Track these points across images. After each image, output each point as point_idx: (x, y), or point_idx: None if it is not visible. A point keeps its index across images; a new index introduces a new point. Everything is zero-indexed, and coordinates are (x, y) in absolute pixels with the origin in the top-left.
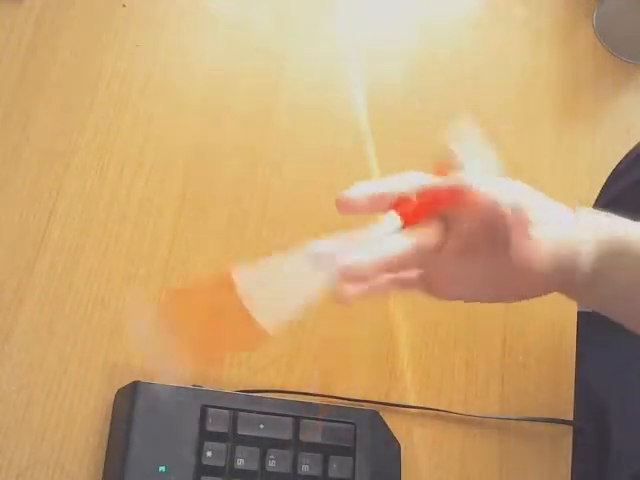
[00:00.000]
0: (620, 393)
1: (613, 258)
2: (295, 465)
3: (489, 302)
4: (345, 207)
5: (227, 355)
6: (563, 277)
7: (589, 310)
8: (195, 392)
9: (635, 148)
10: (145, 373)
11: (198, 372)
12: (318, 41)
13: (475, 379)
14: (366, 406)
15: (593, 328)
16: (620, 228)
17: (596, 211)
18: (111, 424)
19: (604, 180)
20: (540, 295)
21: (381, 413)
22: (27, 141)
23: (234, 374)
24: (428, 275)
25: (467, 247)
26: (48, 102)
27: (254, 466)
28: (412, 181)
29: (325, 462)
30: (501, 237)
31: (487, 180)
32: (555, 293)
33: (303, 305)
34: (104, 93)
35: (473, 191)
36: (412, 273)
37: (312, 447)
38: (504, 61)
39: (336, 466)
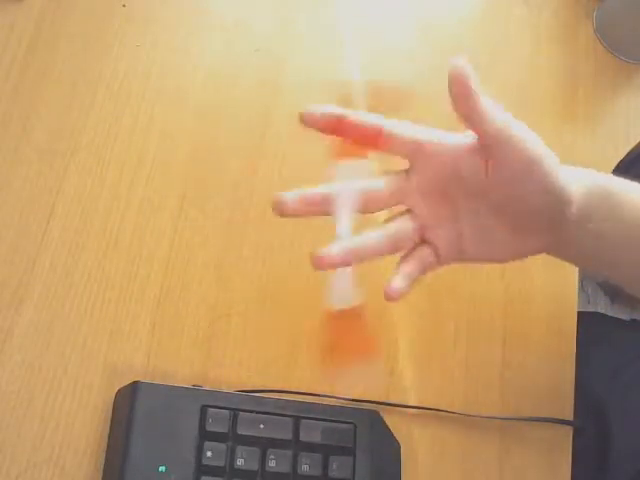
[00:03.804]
0: (620, 393)
1: (600, 201)
2: (295, 465)
3: (485, 261)
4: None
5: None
6: (553, 214)
7: (589, 310)
8: (195, 392)
9: (635, 148)
10: (145, 373)
11: (199, 372)
12: (318, 41)
13: (475, 379)
14: (366, 406)
15: (593, 328)
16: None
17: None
18: (111, 424)
19: None
20: (532, 249)
21: (381, 413)
22: (27, 141)
23: (234, 374)
24: (430, 240)
25: (439, 191)
26: (48, 102)
27: (254, 466)
28: None
29: (325, 462)
30: (472, 178)
31: None
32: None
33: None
34: (104, 93)
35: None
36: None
37: (312, 447)
38: (504, 61)
39: (336, 466)
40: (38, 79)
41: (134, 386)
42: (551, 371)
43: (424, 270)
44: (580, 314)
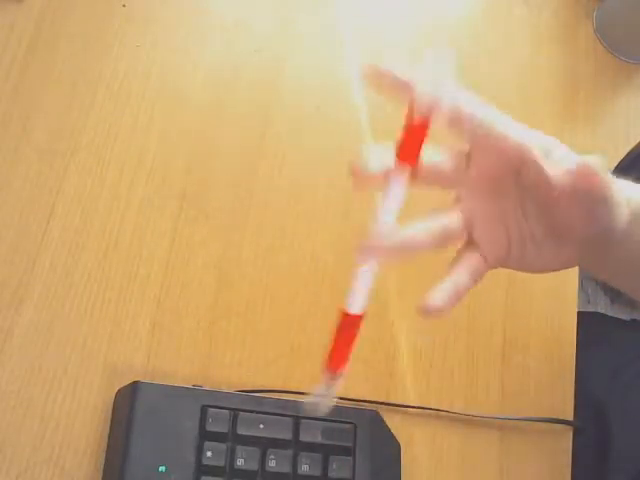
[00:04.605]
0: (620, 393)
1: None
2: (295, 465)
3: (524, 269)
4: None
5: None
6: (595, 235)
7: (589, 310)
8: (195, 392)
9: (635, 148)
10: (145, 373)
11: (199, 372)
12: (318, 41)
13: (475, 379)
14: (366, 406)
15: (593, 328)
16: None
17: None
18: (111, 424)
19: None
20: (566, 259)
21: (381, 413)
22: (27, 141)
23: (234, 374)
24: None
25: (494, 185)
26: (48, 102)
27: (254, 466)
28: None
29: (325, 462)
30: (531, 180)
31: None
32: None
33: None
34: (104, 93)
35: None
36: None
37: (312, 447)
38: (504, 61)
39: (336, 466)
40: (38, 79)
41: (134, 386)
42: (551, 371)
43: (474, 280)
44: (580, 314)
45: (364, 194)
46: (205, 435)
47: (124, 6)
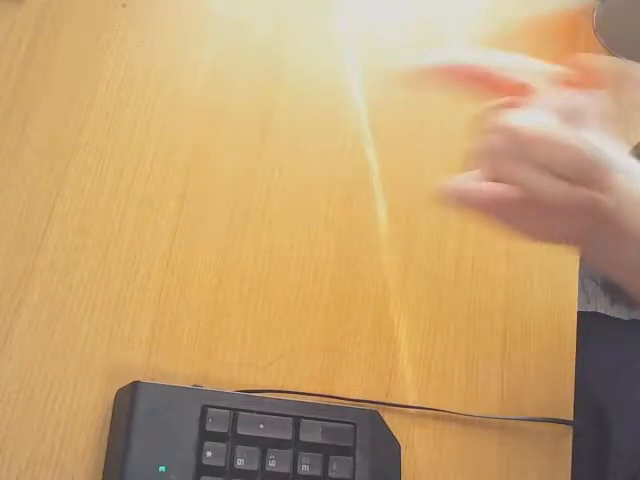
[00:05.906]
0: (620, 393)
1: None
2: (295, 465)
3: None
4: None
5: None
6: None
7: (589, 310)
8: (195, 392)
9: (635, 148)
10: (145, 373)
11: (199, 372)
12: (318, 41)
13: (475, 379)
14: (366, 406)
15: (593, 328)
16: None
17: None
18: (111, 424)
19: None
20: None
21: (381, 413)
22: (27, 141)
23: (234, 374)
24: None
25: None
26: (48, 102)
27: (254, 466)
28: None
29: (325, 462)
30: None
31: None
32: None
33: None
34: (104, 93)
35: None
36: None
37: (312, 447)
38: None
39: (336, 466)
40: (38, 79)
41: (134, 386)
42: (551, 371)
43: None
44: (580, 314)
45: (364, 194)
46: (205, 435)
47: (124, 6)
